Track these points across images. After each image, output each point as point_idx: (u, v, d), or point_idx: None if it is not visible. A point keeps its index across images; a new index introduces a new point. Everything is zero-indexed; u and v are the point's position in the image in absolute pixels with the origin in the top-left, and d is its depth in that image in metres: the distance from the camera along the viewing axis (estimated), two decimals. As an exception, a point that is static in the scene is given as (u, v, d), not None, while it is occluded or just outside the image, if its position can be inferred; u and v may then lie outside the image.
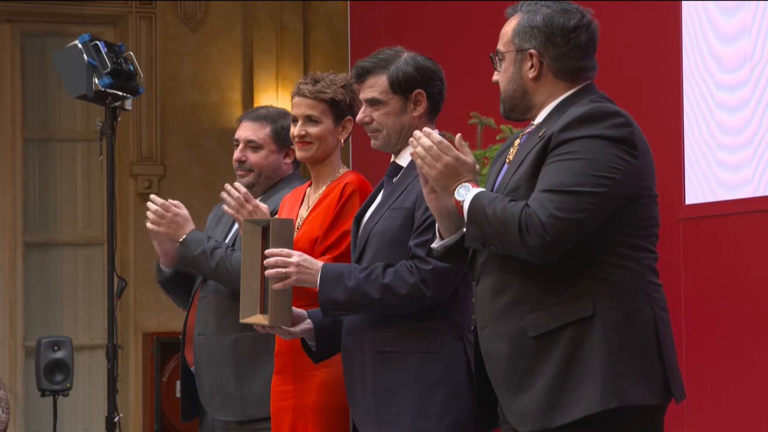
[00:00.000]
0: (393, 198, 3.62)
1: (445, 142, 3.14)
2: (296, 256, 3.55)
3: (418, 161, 3.15)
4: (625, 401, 3.00)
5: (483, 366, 3.19)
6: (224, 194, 4.13)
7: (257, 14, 9.84)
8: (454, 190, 3.10)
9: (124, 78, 5.54)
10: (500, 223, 3.01)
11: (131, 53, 5.67)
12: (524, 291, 3.06)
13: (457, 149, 3.13)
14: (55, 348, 7.62)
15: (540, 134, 3.12)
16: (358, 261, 3.62)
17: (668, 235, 4.93)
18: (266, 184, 4.48)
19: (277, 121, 4.48)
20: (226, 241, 4.41)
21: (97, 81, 5.51)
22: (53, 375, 7.57)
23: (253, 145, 4.48)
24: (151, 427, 9.19)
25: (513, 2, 3.27)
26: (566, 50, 3.17)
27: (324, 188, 4.03)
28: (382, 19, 7.51)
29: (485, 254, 3.14)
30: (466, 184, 3.10)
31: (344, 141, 4.08)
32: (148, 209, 4.40)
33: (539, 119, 3.20)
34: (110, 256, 5.69)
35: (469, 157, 3.13)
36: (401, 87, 3.64)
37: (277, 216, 4.14)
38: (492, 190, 3.16)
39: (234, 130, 4.58)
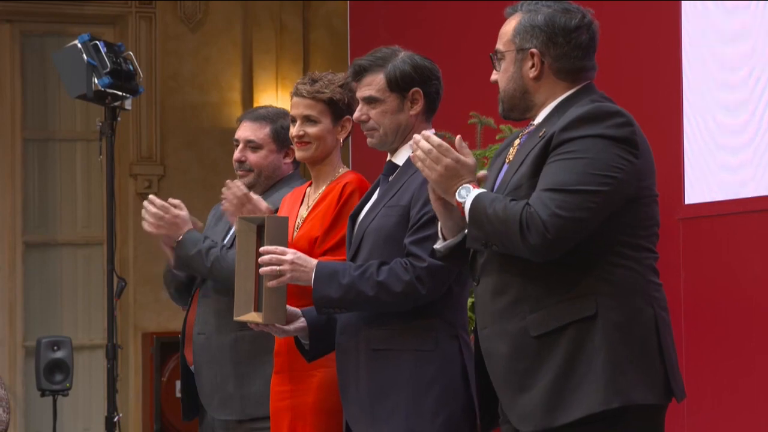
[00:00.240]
0: (389, 196, 3.62)
1: (445, 144, 3.14)
2: (291, 254, 3.55)
3: (419, 164, 3.15)
4: (627, 401, 3.00)
5: (483, 366, 3.19)
6: (225, 190, 4.12)
7: (257, 14, 9.84)
8: (455, 191, 3.11)
9: (123, 78, 5.54)
10: (501, 223, 3.01)
11: (131, 53, 5.67)
12: (525, 291, 3.07)
13: (457, 151, 3.13)
14: (55, 348, 7.62)
15: (540, 134, 3.12)
16: (353, 259, 3.63)
17: (668, 235, 4.93)
18: (266, 184, 4.48)
19: (277, 121, 4.48)
20: (225, 241, 4.41)
21: (96, 81, 5.51)
22: (53, 375, 7.57)
23: (252, 145, 4.48)
24: (151, 427, 9.19)
25: (512, 2, 3.26)
26: (567, 50, 3.17)
27: (324, 188, 4.03)
28: (381, 19, 7.51)
29: (485, 255, 3.14)
30: (467, 185, 3.10)
31: (343, 140, 4.08)
32: (144, 209, 4.38)
33: (539, 119, 3.20)
34: (110, 256, 5.69)
35: (469, 158, 3.14)
36: (398, 85, 3.64)
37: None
38: (492, 190, 3.16)
39: (234, 130, 4.58)
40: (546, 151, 3.07)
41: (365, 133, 3.70)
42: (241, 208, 4.08)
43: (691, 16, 5.09)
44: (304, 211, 4.06)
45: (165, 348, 9.20)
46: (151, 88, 9.48)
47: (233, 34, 9.85)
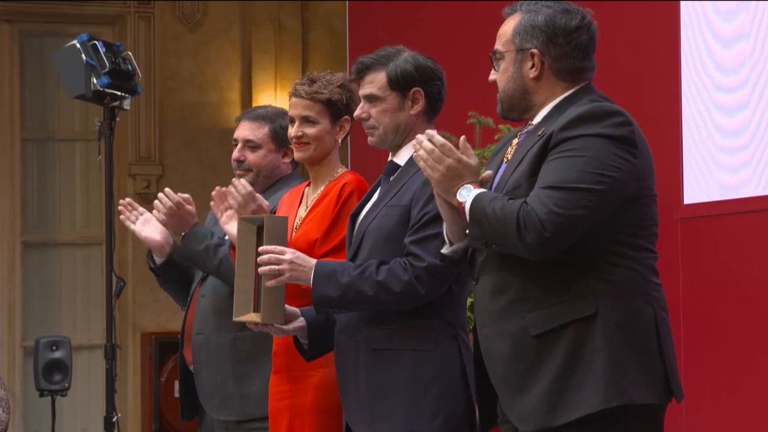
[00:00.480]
0: (389, 196, 3.62)
1: (448, 144, 3.14)
2: (290, 254, 3.55)
3: (421, 164, 3.16)
4: (628, 400, 3.00)
5: (482, 365, 3.19)
6: (230, 188, 4.11)
7: (256, 14, 9.84)
8: (456, 192, 3.11)
9: (122, 78, 5.55)
10: (499, 222, 3.01)
11: (130, 53, 5.68)
12: (524, 290, 3.07)
13: (461, 151, 3.13)
14: (54, 348, 7.61)
15: (539, 133, 3.12)
16: (353, 259, 3.62)
17: (667, 235, 4.93)
18: (265, 184, 4.47)
19: (276, 120, 4.47)
20: (226, 239, 4.41)
21: (95, 81, 5.52)
22: (52, 375, 7.57)
23: (251, 145, 4.48)
24: (150, 427, 9.19)
25: (511, 2, 3.26)
26: (568, 50, 3.17)
27: (322, 188, 4.03)
28: (380, 19, 7.52)
29: (484, 254, 3.14)
30: (468, 185, 3.10)
31: (342, 140, 4.08)
32: (158, 200, 4.38)
33: (538, 119, 3.20)
34: (109, 256, 5.69)
35: (472, 159, 3.13)
36: (399, 84, 3.64)
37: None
38: (490, 189, 3.16)
39: (233, 130, 4.58)
40: (545, 150, 3.07)
41: (366, 131, 3.70)
42: (245, 207, 4.08)
43: (689, 17, 5.09)
44: (302, 212, 4.05)
45: (164, 348, 9.20)
46: (150, 88, 9.48)
47: (232, 34, 9.85)
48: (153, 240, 4.52)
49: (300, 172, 4.64)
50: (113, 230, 5.74)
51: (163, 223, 4.39)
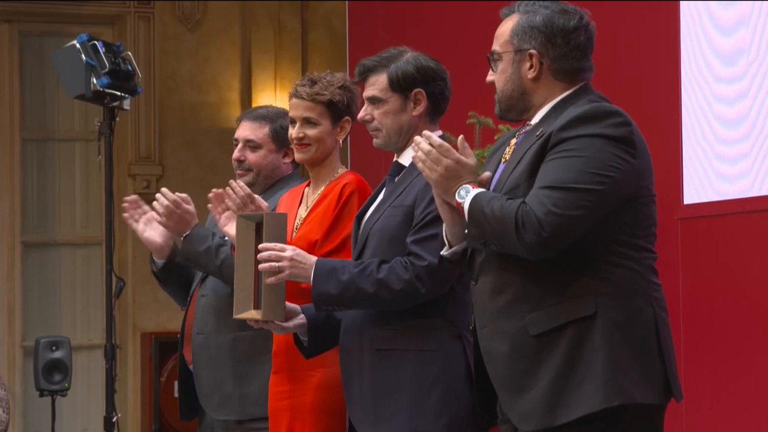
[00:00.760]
0: (394, 196, 3.62)
1: (445, 145, 3.14)
2: (290, 251, 3.55)
3: (419, 164, 3.16)
4: (628, 399, 3.00)
5: (482, 365, 3.19)
6: (228, 190, 4.12)
7: (256, 14, 9.84)
8: (455, 192, 3.11)
9: (122, 78, 5.55)
10: (498, 221, 3.02)
11: (129, 53, 5.68)
12: (524, 290, 3.07)
13: (459, 151, 3.14)
14: (54, 348, 7.62)
15: (538, 133, 3.12)
16: (358, 259, 3.63)
17: (666, 235, 4.94)
18: (265, 184, 4.48)
19: (277, 120, 4.48)
20: (226, 238, 4.41)
21: (95, 81, 5.51)
22: (51, 375, 7.57)
23: (252, 145, 4.48)
24: (150, 427, 9.19)
25: (511, 2, 3.26)
26: (566, 51, 3.17)
27: (323, 188, 4.03)
28: (380, 19, 7.52)
29: (484, 254, 3.14)
30: (467, 185, 3.11)
31: (342, 141, 4.08)
32: (156, 201, 4.38)
33: (536, 119, 3.20)
34: (108, 256, 5.69)
35: (470, 159, 3.14)
36: (400, 85, 3.64)
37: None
38: (489, 189, 3.16)
39: (232, 130, 4.58)
40: (543, 150, 3.07)
41: (370, 133, 3.70)
42: (243, 208, 4.08)
43: (689, 17, 5.09)
44: (302, 212, 4.06)
45: (164, 348, 9.20)
46: (150, 88, 9.48)
47: (232, 34, 9.85)
48: (153, 242, 4.52)
49: (300, 173, 4.64)
50: (113, 230, 5.73)
51: (164, 225, 4.39)
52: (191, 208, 4.39)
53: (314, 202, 4.02)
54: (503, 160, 3.23)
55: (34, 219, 9.52)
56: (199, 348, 4.42)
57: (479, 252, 3.16)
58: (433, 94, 3.67)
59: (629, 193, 3.06)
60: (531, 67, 3.18)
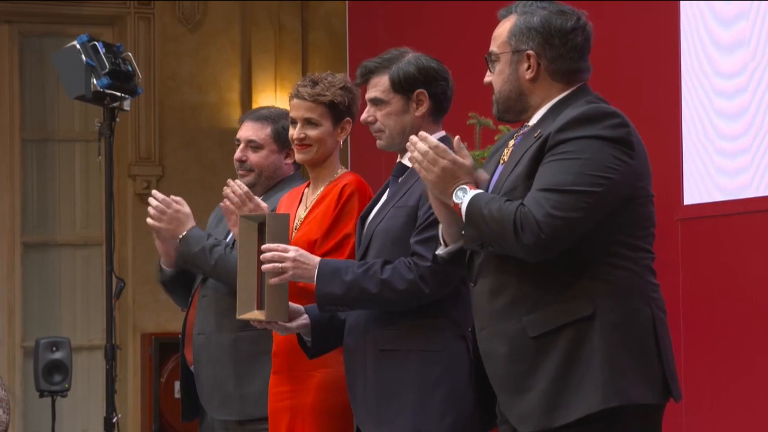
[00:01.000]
0: (398, 197, 3.63)
1: (442, 145, 3.14)
2: (293, 251, 3.56)
3: (416, 166, 3.16)
4: (626, 400, 3.00)
5: (481, 366, 3.20)
6: (226, 190, 4.12)
7: (256, 15, 9.84)
8: (452, 193, 3.11)
9: (122, 78, 5.55)
10: (496, 223, 3.02)
11: (129, 54, 5.68)
12: (522, 291, 3.07)
13: (455, 152, 3.14)
14: (54, 349, 7.62)
15: (536, 135, 3.12)
16: (362, 259, 3.63)
17: (667, 236, 4.94)
18: (267, 185, 4.48)
19: (278, 121, 4.48)
20: (227, 240, 4.42)
21: (95, 81, 5.51)
22: (52, 376, 7.57)
23: (253, 145, 4.48)
24: (150, 428, 9.19)
25: (510, 2, 3.27)
26: (564, 51, 3.18)
27: (322, 189, 4.03)
28: (380, 19, 7.52)
29: (482, 255, 3.14)
30: (464, 186, 3.11)
31: (343, 142, 4.08)
32: (149, 205, 4.40)
33: (534, 120, 3.20)
34: (109, 256, 5.69)
35: (467, 159, 3.14)
36: (402, 86, 3.65)
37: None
38: (487, 191, 3.16)
39: (233, 131, 4.59)
40: (541, 151, 3.07)
41: (373, 134, 3.71)
42: (242, 207, 4.08)
43: (689, 17, 5.09)
44: (302, 212, 4.06)
45: (164, 348, 9.20)
46: (150, 88, 9.48)
47: (232, 35, 9.85)
48: (168, 251, 4.52)
49: (302, 173, 4.64)
50: (113, 231, 5.73)
51: (159, 229, 4.39)
52: (184, 209, 4.40)
53: (314, 202, 4.02)
54: (502, 161, 3.23)
55: (34, 219, 9.52)
56: (200, 348, 4.43)
57: (478, 254, 3.16)
58: (435, 95, 3.67)
59: (627, 194, 3.06)
60: (528, 67, 3.19)
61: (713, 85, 4.97)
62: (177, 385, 8.51)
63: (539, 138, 3.09)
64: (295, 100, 4.00)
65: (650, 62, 5.33)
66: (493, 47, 3.24)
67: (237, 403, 4.31)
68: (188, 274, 4.57)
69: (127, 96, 5.59)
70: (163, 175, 9.60)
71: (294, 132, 4.01)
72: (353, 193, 3.93)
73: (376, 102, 3.67)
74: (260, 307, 3.66)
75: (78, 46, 5.55)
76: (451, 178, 3.12)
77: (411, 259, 3.51)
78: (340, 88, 3.98)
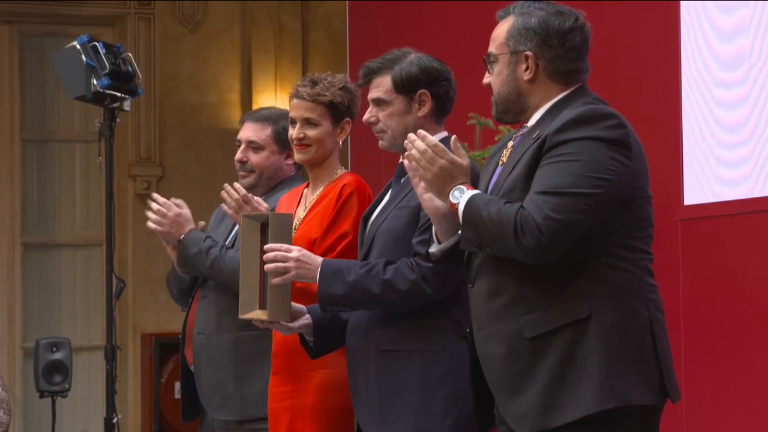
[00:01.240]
0: (400, 197, 3.63)
1: (440, 145, 3.15)
2: (296, 251, 3.56)
3: (413, 164, 3.16)
4: (623, 401, 3.00)
5: (480, 367, 3.20)
6: (224, 194, 4.14)
7: (256, 15, 9.84)
8: (449, 192, 3.12)
9: (122, 79, 5.54)
10: (496, 225, 3.02)
11: (130, 54, 5.67)
12: (520, 292, 3.07)
13: (453, 151, 3.14)
14: (54, 349, 7.62)
15: (534, 136, 3.12)
16: (364, 260, 3.63)
17: (667, 236, 4.94)
18: (268, 185, 4.48)
19: (279, 122, 4.48)
20: (227, 242, 4.42)
21: (95, 82, 5.51)
22: (52, 376, 7.57)
23: (254, 146, 4.49)
24: (150, 428, 9.19)
25: (510, 2, 3.27)
26: (562, 52, 3.18)
27: (322, 189, 4.03)
28: (380, 19, 7.52)
29: (480, 256, 3.14)
30: (461, 186, 3.11)
31: (343, 142, 4.08)
32: (149, 209, 4.41)
33: (533, 121, 3.20)
34: (109, 257, 5.69)
35: (464, 159, 3.14)
36: (404, 87, 3.65)
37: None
38: (486, 192, 3.16)
39: (233, 131, 4.59)
40: (539, 153, 3.07)
41: (375, 135, 3.71)
42: (240, 209, 4.09)
43: (689, 17, 5.09)
44: (301, 212, 4.06)
45: (164, 349, 9.20)
46: (150, 88, 9.49)
47: (232, 35, 9.85)
48: (172, 251, 4.53)
49: (303, 174, 4.64)
50: (113, 231, 5.73)
51: (160, 232, 4.40)
52: (185, 211, 4.42)
53: (313, 202, 4.02)
54: (501, 162, 3.23)
55: (34, 220, 9.52)
56: (200, 348, 4.43)
57: (476, 255, 3.16)
58: (437, 95, 3.67)
59: (625, 195, 3.06)
60: (527, 68, 3.19)
61: (713, 84, 4.97)
62: (177, 385, 8.51)
63: (537, 139, 3.09)
64: (295, 100, 4.01)
65: (650, 62, 5.33)
66: (492, 48, 3.24)
67: (237, 403, 4.31)
68: (193, 279, 4.57)
69: (127, 96, 5.59)
70: (164, 176, 9.60)
71: (293, 132, 4.01)
72: (352, 193, 3.93)
73: (379, 102, 3.67)
74: (263, 307, 3.66)
75: (78, 46, 5.55)
76: (449, 177, 3.13)
77: (413, 260, 3.51)
78: (339, 88, 3.98)
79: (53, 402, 7.62)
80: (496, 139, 5.20)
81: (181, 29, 9.74)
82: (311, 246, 3.88)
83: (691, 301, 5.03)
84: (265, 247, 3.59)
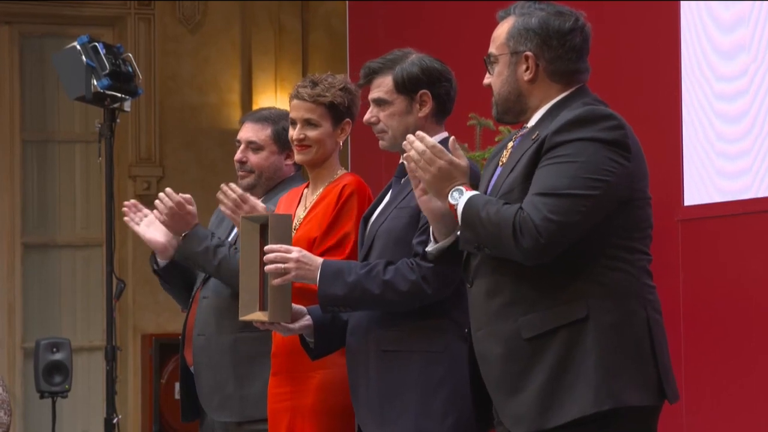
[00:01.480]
0: (400, 198, 3.63)
1: (438, 146, 3.15)
2: (296, 252, 3.56)
3: (412, 165, 3.16)
4: (619, 402, 3.00)
5: (477, 367, 3.20)
6: (220, 195, 4.13)
7: (256, 15, 9.84)
8: (448, 193, 3.12)
9: (122, 79, 5.54)
10: (494, 226, 3.02)
11: (130, 54, 5.67)
12: (518, 293, 3.07)
13: (451, 152, 3.14)
14: (54, 349, 7.61)
15: (533, 137, 3.12)
16: (365, 260, 3.63)
17: (667, 237, 4.94)
18: (267, 186, 4.48)
19: (279, 122, 4.48)
20: (229, 239, 4.41)
21: (95, 82, 5.51)
22: (52, 376, 7.57)
23: (254, 146, 4.48)
24: (150, 429, 9.19)
25: (510, 2, 3.27)
26: (562, 53, 3.18)
27: (322, 189, 4.03)
28: (380, 20, 7.52)
29: (479, 257, 3.14)
30: (460, 187, 3.11)
31: (343, 142, 4.08)
32: (159, 200, 4.38)
33: (533, 121, 3.20)
34: (109, 257, 5.69)
35: (462, 160, 3.15)
36: (405, 87, 3.65)
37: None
38: (486, 193, 3.17)
39: (233, 131, 4.59)
40: (538, 154, 3.07)
41: (376, 135, 3.71)
42: (237, 210, 4.08)
43: (690, 17, 5.09)
44: (301, 213, 4.06)
45: (164, 349, 9.20)
46: (150, 89, 9.49)
47: (232, 35, 9.85)
48: (156, 242, 4.53)
49: (302, 174, 4.64)
50: (113, 232, 5.73)
51: (164, 224, 4.39)
52: (193, 208, 4.40)
53: (313, 202, 4.02)
54: (500, 162, 3.23)
55: (34, 220, 9.52)
56: (200, 349, 4.43)
57: (475, 256, 3.16)
58: (438, 95, 3.67)
59: (624, 197, 3.06)
60: (527, 69, 3.19)
61: (713, 85, 4.97)
62: (177, 386, 8.49)
63: (537, 140, 3.09)
64: (295, 101, 4.00)
65: (650, 63, 5.33)
66: (492, 49, 3.24)
67: (237, 404, 4.31)
68: (186, 271, 4.57)
69: (127, 97, 5.58)
70: (164, 176, 9.60)
71: (294, 133, 4.01)
72: (353, 194, 3.93)
73: (379, 102, 3.67)
74: (263, 308, 3.66)
75: (78, 46, 5.55)
76: (448, 178, 3.13)
77: (413, 260, 3.51)
78: (340, 89, 3.98)
79: (53, 402, 7.62)
80: (496, 139, 5.20)
81: (181, 29, 9.74)
82: (311, 245, 3.88)
83: (691, 301, 5.03)
84: (265, 248, 3.58)
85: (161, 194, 4.38)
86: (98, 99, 5.56)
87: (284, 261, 3.54)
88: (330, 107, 3.98)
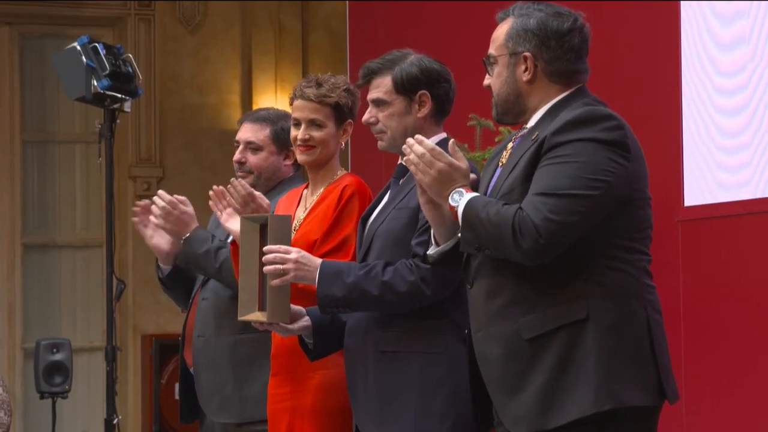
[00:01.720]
0: (399, 198, 3.63)
1: (438, 148, 3.15)
2: (295, 253, 3.56)
3: (412, 168, 3.17)
4: (619, 402, 3.01)
5: (478, 368, 3.20)
6: (230, 188, 4.10)
7: (256, 15, 9.84)
8: (448, 195, 3.12)
9: (122, 80, 5.53)
10: (494, 227, 3.02)
11: (130, 55, 5.66)
12: (518, 293, 3.07)
13: (451, 154, 3.14)
14: (54, 350, 7.61)
15: (533, 137, 3.12)
16: (363, 261, 3.63)
17: (667, 237, 4.94)
18: (266, 186, 4.48)
19: (278, 122, 4.48)
20: (228, 241, 4.41)
21: (95, 83, 5.50)
22: (52, 377, 7.57)
23: (252, 147, 4.48)
24: (150, 429, 9.19)
25: (510, 3, 3.27)
26: (560, 53, 3.18)
27: (322, 190, 4.02)
28: (380, 20, 7.52)
29: (479, 258, 3.15)
30: (460, 189, 3.12)
31: (344, 143, 4.08)
32: (153, 203, 4.39)
33: (532, 122, 3.21)
34: (109, 258, 5.68)
35: (462, 162, 3.15)
36: (404, 87, 3.65)
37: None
38: (486, 193, 3.17)
39: (233, 132, 4.59)
40: (538, 154, 3.07)
41: (375, 135, 3.70)
42: (245, 207, 4.07)
43: (690, 17, 5.09)
44: (301, 213, 4.05)
45: (164, 350, 9.20)
46: (150, 89, 9.49)
47: (232, 36, 9.85)
48: (160, 248, 4.53)
49: (302, 174, 4.64)
50: (113, 232, 5.73)
51: (163, 228, 4.40)
52: (190, 209, 4.40)
53: (313, 203, 4.02)
54: (500, 164, 3.24)
55: (34, 221, 9.53)
56: (200, 350, 4.43)
57: (475, 257, 3.16)
58: (437, 96, 3.67)
59: (624, 197, 3.06)
60: (526, 69, 3.19)
61: (714, 85, 4.97)
62: (177, 386, 8.51)
63: (536, 140, 3.09)
64: (300, 101, 3.98)
65: (650, 62, 5.33)
66: (491, 50, 3.25)
67: (236, 405, 4.31)
68: (189, 276, 4.57)
69: (127, 97, 5.58)
70: (164, 177, 9.60)
71: (298, 133, 3.99)
72: (353, 195, 3.93)
73: (379, 103, 3.67)
74: (262, 308, 3.66)
75: (78, 47, 5.54)
76: (448, 180, 3.13)
77: (412, 261, 3.51)
78: (344, 90, 3.97)
79: (53, 403, 7.62)
80: (496, 140, 5.20)
81: (182, 30, 9.74)
82: (311, 247, 3.88)
83: (691, 302, 5.03)
84: (265, 248, 3.59)
85: (155, 197, 4.39)
86: (98, 99, 5.56)
87: (283, 262, 3.54)
88: (335, 108, 3.97)
